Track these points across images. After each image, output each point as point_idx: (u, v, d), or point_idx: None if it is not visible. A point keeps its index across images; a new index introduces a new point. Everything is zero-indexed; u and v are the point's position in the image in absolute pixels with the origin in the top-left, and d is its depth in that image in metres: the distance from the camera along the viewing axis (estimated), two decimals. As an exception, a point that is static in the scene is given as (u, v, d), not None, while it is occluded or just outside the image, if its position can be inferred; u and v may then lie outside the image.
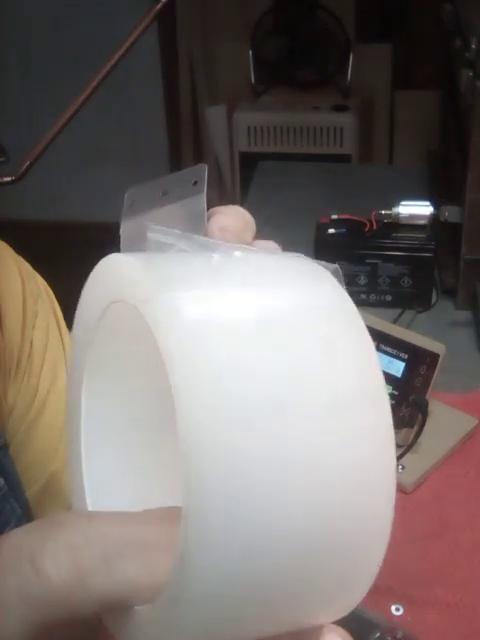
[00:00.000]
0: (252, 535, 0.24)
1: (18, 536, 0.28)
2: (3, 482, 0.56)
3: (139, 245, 0.37)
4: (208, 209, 0.36)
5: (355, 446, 0.25)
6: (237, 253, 0.30)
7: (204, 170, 0.36)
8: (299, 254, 0.33)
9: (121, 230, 0.37)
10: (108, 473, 0.33)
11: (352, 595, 0.28)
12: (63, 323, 0.63)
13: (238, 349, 0.25)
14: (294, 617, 0.27)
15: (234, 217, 0.36)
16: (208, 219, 0.35)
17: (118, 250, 0.40)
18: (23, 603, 0.27)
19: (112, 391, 0.33)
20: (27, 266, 0.63)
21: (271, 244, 0.36)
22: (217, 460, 0.24)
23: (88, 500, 0.33)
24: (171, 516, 0.28)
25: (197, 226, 0.35)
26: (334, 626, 0.29)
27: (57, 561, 0.27)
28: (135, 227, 0.37)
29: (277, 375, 0.25)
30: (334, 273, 0.30)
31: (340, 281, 0.30)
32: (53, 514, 0.30)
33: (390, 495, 0.26)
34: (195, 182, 0.36)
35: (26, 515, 0.58)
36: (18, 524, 0.56)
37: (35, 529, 0.29)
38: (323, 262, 0.31)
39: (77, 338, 0.33)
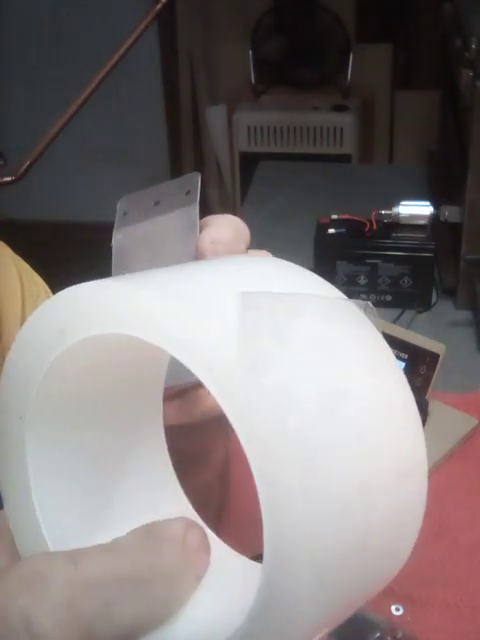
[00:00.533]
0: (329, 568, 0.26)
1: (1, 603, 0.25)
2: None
3: (132, 257, 0.36)
4: (204, 213, 0.36)
5: (402, 486, 0.29)
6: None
7: (197, 179, 0.36)
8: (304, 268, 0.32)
9: (113, 241, 0.37)
10: (65, 508, 0.31)
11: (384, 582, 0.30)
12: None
13: (319, 427, 0.26)
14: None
15: (226, 228, 0.35)
16: (200, 230, 0.35)
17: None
18: None
19: (64, 423, 0.31)
20: (25, 265, 0.63)
21: (264, 253, 0.36)
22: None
23: (46, 536, 0.30)
24: (153, 540, 0.27)
25: (189, 237, 0.35)
26: None
27: (61, 624, 0.24)
28: (127, 238, 0.37)
29: (354, 450, 0.27)
30: (366, 310, 0.30)
31: (373, 319, 0.30)
32: (28, 565, 0.27)
33: (421, 511, 0.30)
34: (188, 192, 0.36)
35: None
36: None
37: (19, 591, 0.25)
38: (355, 300, 0.30)
39: (20, 367, 0.29)
